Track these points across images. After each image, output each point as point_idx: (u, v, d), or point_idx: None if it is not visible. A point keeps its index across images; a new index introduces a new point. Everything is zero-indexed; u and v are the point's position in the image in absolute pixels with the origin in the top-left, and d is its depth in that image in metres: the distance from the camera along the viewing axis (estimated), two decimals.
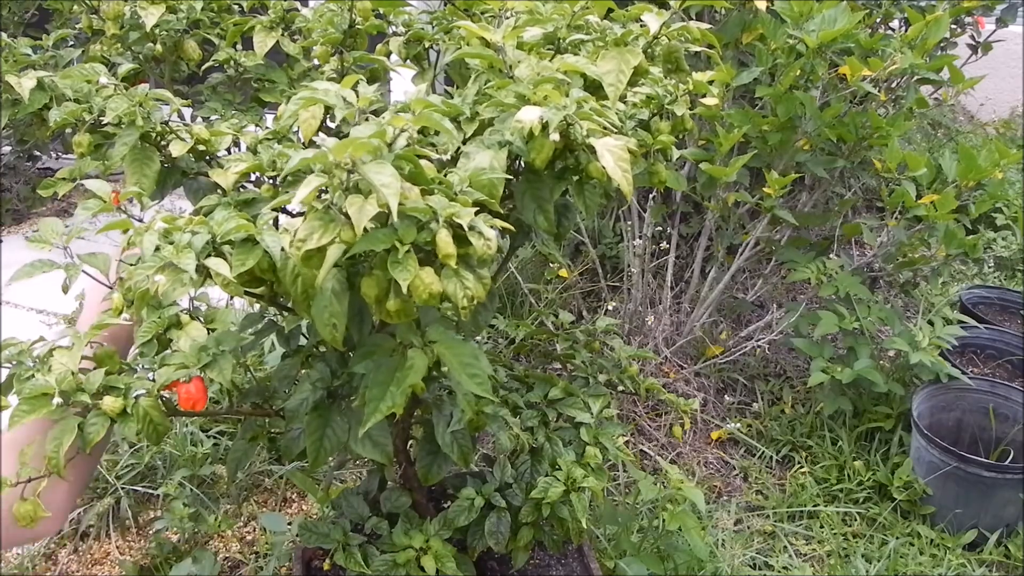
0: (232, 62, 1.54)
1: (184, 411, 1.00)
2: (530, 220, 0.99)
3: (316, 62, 1.56)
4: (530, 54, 1.04)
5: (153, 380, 0.99)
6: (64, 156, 3.94)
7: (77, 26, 1.62)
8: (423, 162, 0.84)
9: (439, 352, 0.89)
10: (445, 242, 0.78)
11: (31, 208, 3.80)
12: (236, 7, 1.62)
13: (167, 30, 1.51)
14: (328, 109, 0.99)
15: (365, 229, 0.74)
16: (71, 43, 1.87)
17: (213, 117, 1.53)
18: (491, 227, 0.81)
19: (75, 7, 1.64)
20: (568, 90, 0.92)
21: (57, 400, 0.91)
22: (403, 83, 1.68)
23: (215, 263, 0.82)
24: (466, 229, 0.78)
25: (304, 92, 0.89)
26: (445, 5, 1.51)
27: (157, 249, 0.83)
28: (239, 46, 1.58)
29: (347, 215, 0.75)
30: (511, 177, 0.94)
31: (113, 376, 0.97)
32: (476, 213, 0.80)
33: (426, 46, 1.53)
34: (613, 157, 0.86)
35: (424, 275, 0.78)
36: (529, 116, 0.87)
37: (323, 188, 0.77)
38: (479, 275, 0.80)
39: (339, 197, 0.76)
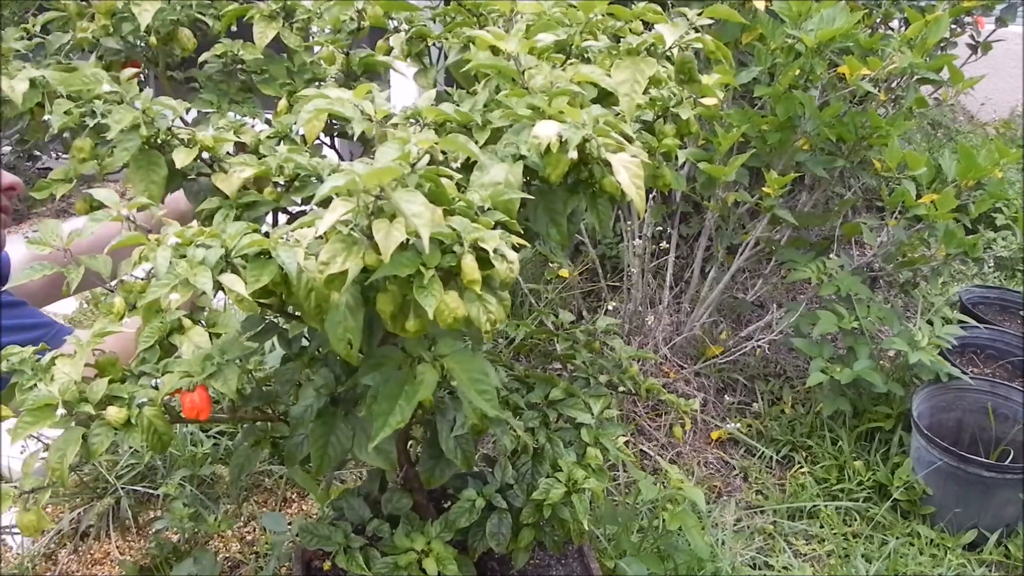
0: (230, 55, 1.51)
1: (188, 419, 0.99)
2: (543, 233, 0.99)
3: (321, 62, 1.55)
4: (541, 59, 1.03)
5: (156, 388, 0.98)
6: (64, 156, 3.93)
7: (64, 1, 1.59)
8: (444, 181, 0.83)
9: (449, 367, 0.88)
10: (471, 267, 0.78)
11: (31, 208, 3.79)
12: None
13: (161, 20, 1.48)
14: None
15: None
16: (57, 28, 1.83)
17: (208, 110, 1.51)
18: (510, 246, 0.80)
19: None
20: (583, 102, 0.92)
21: (60, 411, 0.90)
22: (403, 80, 1.67)
23: (229, 280, 0.81)
24: (491, 253, 0.77)
25: (319, 101, 0.89)
26: (447, 2, 1.49)
27: (170, 265, 0.82)
28: (234, 27, 1.55)
29: (370, 237, 0.74)
30: (530, 197, 0.94)
31: (116, 385, 0.96)
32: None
33: (428, 44, 1.52)
34: (628, 173, 0.85)
35: (449, 300, 0.78)
36: (546, 132, 0.86)
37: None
38: (501, 297, 0.79)
39: (362, 219, 0.75)
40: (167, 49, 1.54)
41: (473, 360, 0.87)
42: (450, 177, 0.83)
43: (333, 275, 0.75)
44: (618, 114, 0.96)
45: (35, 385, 0.91)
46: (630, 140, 0.92)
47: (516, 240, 0.81)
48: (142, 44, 1.53)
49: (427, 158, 0.81)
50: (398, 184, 0.75)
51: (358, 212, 0.76)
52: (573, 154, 0.87)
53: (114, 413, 0.91)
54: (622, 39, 1.05)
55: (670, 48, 1.06)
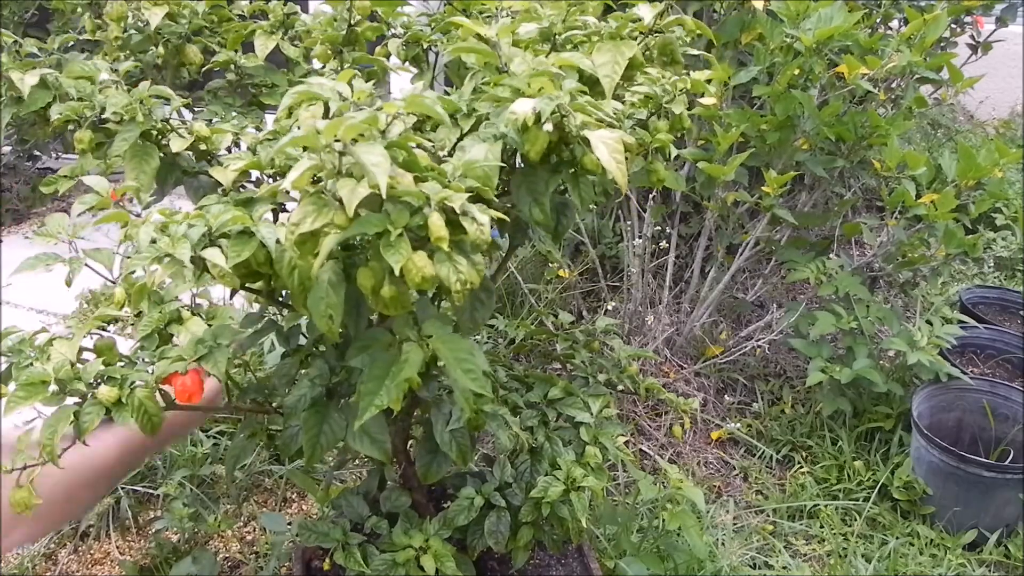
0: (233, 65, 1.55)
1: (181, 405, 1.00)
2: (526, 214, 0.99)
3: (317, 64, 1.56)
4: (525, 50, 1.04)
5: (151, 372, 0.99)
6: (64, 156, 3.95)
7: (78, 29, 1.62)
8: (418, 152, 0.84)
9: (435, 347, 0.88)
10: (437, 225, 0.78)
11: (31, 208, 3.80)
12: (237, 16, 1.63)
13: (170, 34, 1.52)
14: (328, 109, 0.98)
15: (357, 212, 0.74)
16: (72, 45, 1.86)
17: (214, 119, 1.53)
18: (486, 215, 0.81)
19: (77, 8, 1.64)
20: (563, 83, 0.92)
21: (53, 387, 0.91)
22: (403, 84, 1.68)
23: (211, 253, 0.82)
24: (459, 214, 0.77)
25: (299, 87, 0.90)
26: (444, 6, 1.51)
27: (153, 241, 0.84)
28: (238, 51, 1.58)
29: (340, 200, 0.75)
30: (505, 165, 0.95)
31: (111, 367, 0.97)
32: (472, 201, 0.80)
33: (424, 47, 1.54)
34: (607, 149, 0.86)
35: (417, 258, 0.78)
36: (523, 108, 0.87)
37: (317, 175, 0.77)
38: (472, 260, 0.80)
39: (332, 181, 0.76)
40: (175, 65, 1.57)
41: (459, 340, 0.87)
42: (424, 148, 0.84)
43: (305, 236, 0.76)
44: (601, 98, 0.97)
45: (31, 364, 0.93)
46: (614, 122, 0.92)
47: (493, 212, 0.82)
48: (152, 63, 1.55)
49: (399, 127, 0.82)
50: (362, 140, 0.76)
51: (328, 174, 0.77)
52: (548, 127, 0.87)
53: (106, 392, 0.92)
54: (604, 26, 1.06)
55: (651, 30, 1.07)
